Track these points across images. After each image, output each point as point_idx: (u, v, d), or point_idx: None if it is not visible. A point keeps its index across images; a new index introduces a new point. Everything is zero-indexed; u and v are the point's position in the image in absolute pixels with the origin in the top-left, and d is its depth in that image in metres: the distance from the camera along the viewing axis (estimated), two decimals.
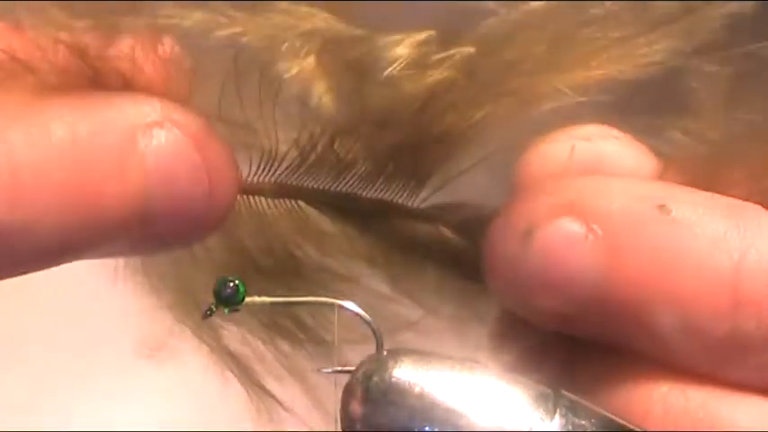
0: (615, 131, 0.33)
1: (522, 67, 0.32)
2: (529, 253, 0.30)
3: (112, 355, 0.70)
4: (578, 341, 0.32)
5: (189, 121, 0.30)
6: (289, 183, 0.35)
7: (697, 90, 0.32)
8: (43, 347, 0.71)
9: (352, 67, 0.31)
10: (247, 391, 0.37)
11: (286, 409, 0.37)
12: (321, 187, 0.35)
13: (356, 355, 0.32)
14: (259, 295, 0.31)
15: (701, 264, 0.30)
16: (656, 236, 0.30)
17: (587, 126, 0.33)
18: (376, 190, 0.36)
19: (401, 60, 0.31)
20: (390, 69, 0.31)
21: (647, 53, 0.32)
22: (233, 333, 0.36)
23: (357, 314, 0.31)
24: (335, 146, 0.34)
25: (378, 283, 0.36)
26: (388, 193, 0.36)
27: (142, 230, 0.30)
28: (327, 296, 0.32)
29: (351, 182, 0.35)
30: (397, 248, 0.36)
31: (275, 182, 0.35)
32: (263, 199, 0.35)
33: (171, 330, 0.36)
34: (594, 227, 0.30)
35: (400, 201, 0.36)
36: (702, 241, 0.30)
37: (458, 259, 0.36)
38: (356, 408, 0.30)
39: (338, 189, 0.35)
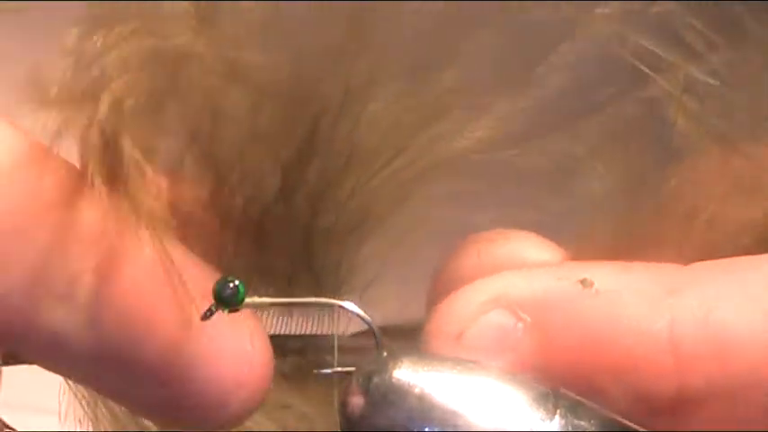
0: (515, 230, 0.34)
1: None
2: (464, 350, 0.31)
3: None
4: None
5: None
6: None
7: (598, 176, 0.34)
8: None
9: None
10: None
11: None
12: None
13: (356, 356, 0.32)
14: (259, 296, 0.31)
15: (636, 330, 0.30)
16: (584, 311, 0.30)
17: (489, 231, 0.34)
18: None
19: None
20: None
21: None
22: None
23: (357, 315, 0.31)
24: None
25: None
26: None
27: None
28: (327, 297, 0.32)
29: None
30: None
31: None
32: None
33: None
34: (522, 315, 0.31)
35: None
36: (632, 307, 0.30)
37: None
38: (356, 408, 0.30)
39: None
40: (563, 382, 0.30)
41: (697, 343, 0.29)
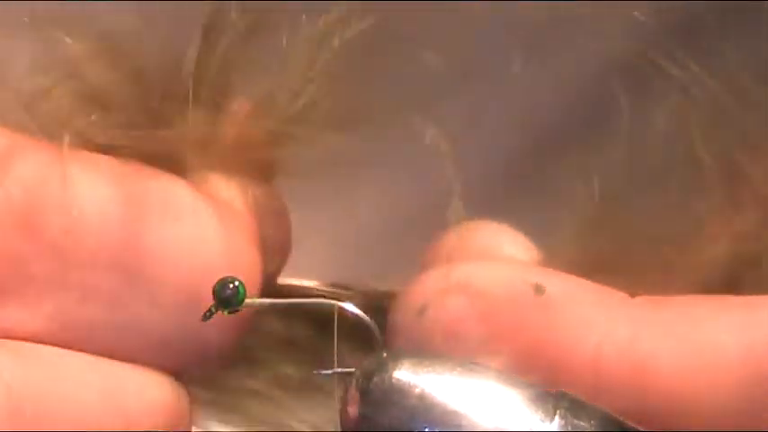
0: (496, 223, 0.37)
1: None
2: (422, 326, 0.34)
3: None
4: None
5: None
6: None
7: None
8: None
9: None
10: None
11: None
12: None
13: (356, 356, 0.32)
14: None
15: (567, 341, 0.32)
16: (529, 313, 0.33)
17: (474, 220, 0.37)
18: None
19: None
20: None
21: None
22: None
23: (357, 315, 0.31)
24: None
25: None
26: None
27: None
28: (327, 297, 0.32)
29: None
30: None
31: None
32: None
33: None
34: (478, 304, 0.33)
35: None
36: (570, 321, 0.33)
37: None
38: (356, 409, 0.30)
39: None
40: None
41: (618, 367, 0.32)
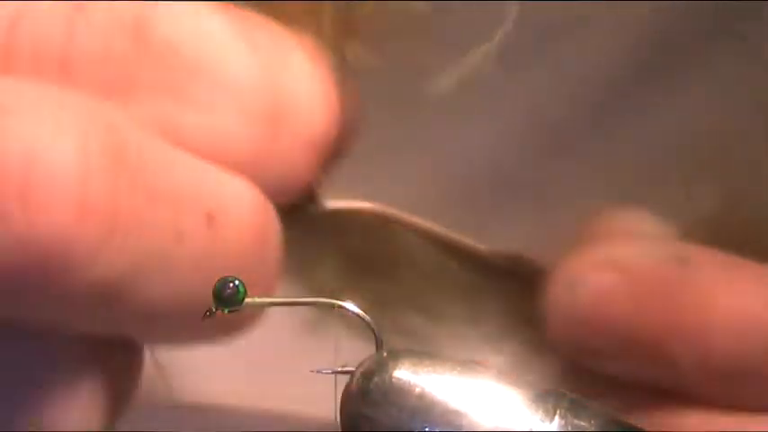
0: (636, 207, 0.40)
1: None
2: (575, 299, 0.37)
3: None
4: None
5: None
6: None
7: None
8: None
9: None
10: None
11: None
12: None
13: (356, 356, 0.32)
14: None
15: (708, 305, 0.36)
16: (675, 284, 0.36)
17: (622, 206, 0.41)
18: None
19: None
20: None
21: None
22: None
23: (357, 314, 0.31)
24: None
25: None
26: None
27: None
28: (328, 297, 0.32)
29: None
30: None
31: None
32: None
33: None
34: (626, 278, 0.37)
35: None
36: (711, 286, 0.36)
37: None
38: (356, 408, 0.30)
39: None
40: (646, 341, 0.36)
41: (756, 328, 0.35)
